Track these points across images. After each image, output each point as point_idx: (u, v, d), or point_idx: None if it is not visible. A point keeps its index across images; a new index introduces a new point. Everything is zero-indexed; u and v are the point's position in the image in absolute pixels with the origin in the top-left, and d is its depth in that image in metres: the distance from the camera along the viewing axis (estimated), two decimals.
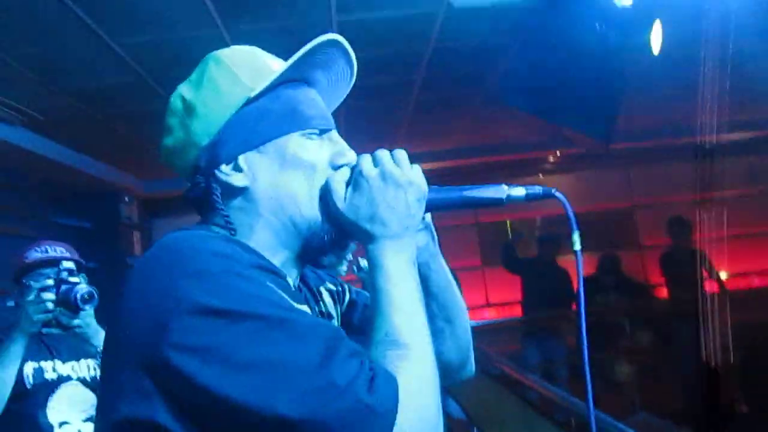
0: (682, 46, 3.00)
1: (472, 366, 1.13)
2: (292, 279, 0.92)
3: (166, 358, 0.67)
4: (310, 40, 0.86)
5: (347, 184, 0.87)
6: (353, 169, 0.88)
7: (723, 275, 5.57)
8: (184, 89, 0.90)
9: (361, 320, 1.08)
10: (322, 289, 1.08)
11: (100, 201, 6.63)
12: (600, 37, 2.93)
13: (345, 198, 0.86)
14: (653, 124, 7.01)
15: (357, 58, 0.94)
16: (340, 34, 0.88)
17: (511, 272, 6.44)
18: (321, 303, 1.05)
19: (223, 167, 0.87)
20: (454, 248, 7.82)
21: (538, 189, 0.92)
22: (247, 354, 0.67)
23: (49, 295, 1.97)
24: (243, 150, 0.87)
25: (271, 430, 0.68)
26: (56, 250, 2.17)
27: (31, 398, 2.02)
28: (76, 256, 2.21)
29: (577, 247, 0.94)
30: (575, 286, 6.04)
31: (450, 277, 1.05)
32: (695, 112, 2.87)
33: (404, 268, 0.84)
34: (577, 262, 0.94)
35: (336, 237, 0.90)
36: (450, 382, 1.10)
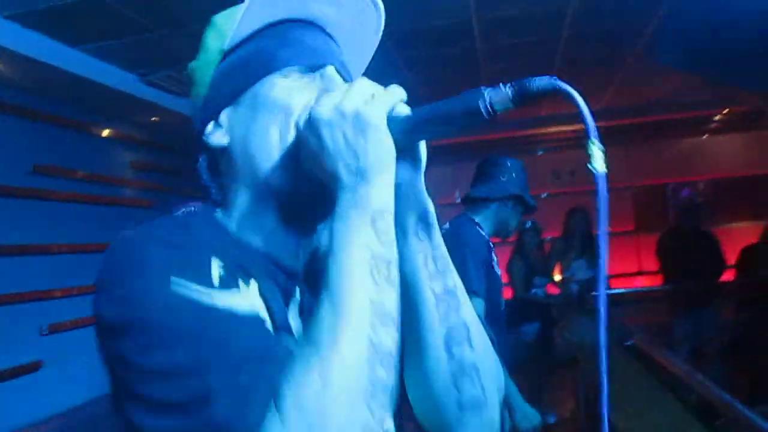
0: None
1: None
2: (291, 244, 0.81)
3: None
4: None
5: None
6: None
7: None
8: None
9: None
10: None
11: None
12: None
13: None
14: None
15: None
16: None
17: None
18: None
19: (208, 127, 0.80)
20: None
21: (530, 82, 0.67)
22: (134, 363, 0.65)
23: None
24: (222, 106, 0.79)
25: None
26: None
27: None
28: None
29: (598, 164, 0.63)
30: (727, 257, 5.56)
31: (431, 270, 0.80)
32: None
33: (352, 229, 0.67)
34: (597, 185, 0.63)
35: (318, 196, 0.75)
36: None
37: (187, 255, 0.70)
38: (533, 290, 5.38)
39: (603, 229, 0.66)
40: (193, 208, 0.81)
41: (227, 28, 0.77)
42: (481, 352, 0.81)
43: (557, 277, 5.70)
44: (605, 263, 0.68)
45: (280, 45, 0.77)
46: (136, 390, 0.64)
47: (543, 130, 7.50)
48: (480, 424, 0.79)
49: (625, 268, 7.84)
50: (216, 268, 0.71)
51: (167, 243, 0.69)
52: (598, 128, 0.65)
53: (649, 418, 2.11)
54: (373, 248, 0.66)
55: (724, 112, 7.11)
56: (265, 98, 0.75)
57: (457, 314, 0.79)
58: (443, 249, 0.80)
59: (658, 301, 5.93)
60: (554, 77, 0.66)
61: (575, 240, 5.53)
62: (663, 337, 5.12)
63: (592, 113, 0.65)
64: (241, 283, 0.73)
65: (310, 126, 0.69)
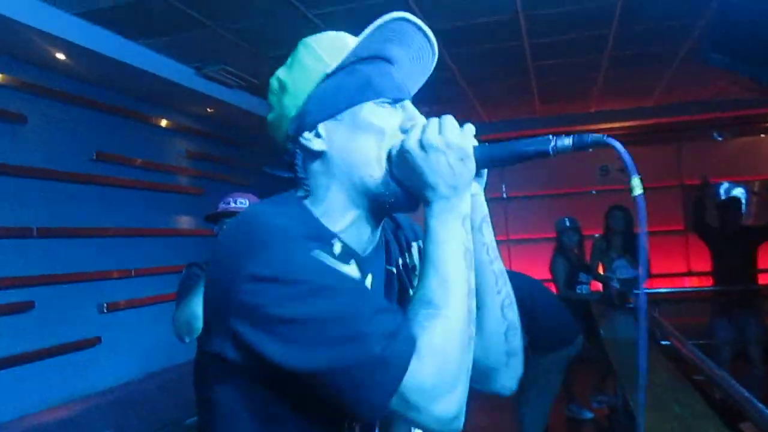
0: None
1: (508, 379, 1.09)
2: (365, 235, 1.03)
3: (229, 317, 0.84)
4: None
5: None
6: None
7: None
8: (280, 71, 1.04)
9: None
10: (414, 244, 1.20)
11: None
12: None
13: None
14: None
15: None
16: None
17: (700, 238, 5.61)
18: (407, 255, 1.18)
19: (306, 134, 0.99)
20: (655, 211, 7.33)
21: (586, 136, 0.91)
22: (287, 312, 0.81)
23: None
24: (323, 118, 0.98)
25: (296, 377, 0.82)
26: (237, 203, 2.64)
27: None
28: None
29: (638, 191, 0.87)
30: None
31: (491, 256, 1.06)
32: None
33: (450, 228, 0.91)
34: (639, 208, 0.87)
35: (403, 198, 0.98)
36: (480, 389, 1.07)
37: (317, 233, 0.93)
38: (578, 287, 5.39)
39: (643, 245, 0.91)
40: (272, 207, 1.00)
41: (326, 54, 0.99)
42: (516, 315, 1.08)
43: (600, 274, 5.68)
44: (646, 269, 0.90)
45: (375, 78, 0.99)
46: (286, 335, 0.81)
47: (593, 126, 7.44)
48: (517, 366, 1.07)
49: (673, 268, 7.70)
50: (338, 247, 0.96)
51: (300, 221, 0.93)
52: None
53: (671, 411, 2.14)
54: (463, 242, 0.92)
55: None
56: (365, 121, 0.98)
57: (506, 287, 1.07)
58: (494, 241, 1.07)
59: (703, 302, 5.83)
60: (605, 136, 0.91)
61: (616, 238, 5.50)
62: (705, 339, 5.05)
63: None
64: (352, 260, 0.98)
65: (422, 149, 0.91)
